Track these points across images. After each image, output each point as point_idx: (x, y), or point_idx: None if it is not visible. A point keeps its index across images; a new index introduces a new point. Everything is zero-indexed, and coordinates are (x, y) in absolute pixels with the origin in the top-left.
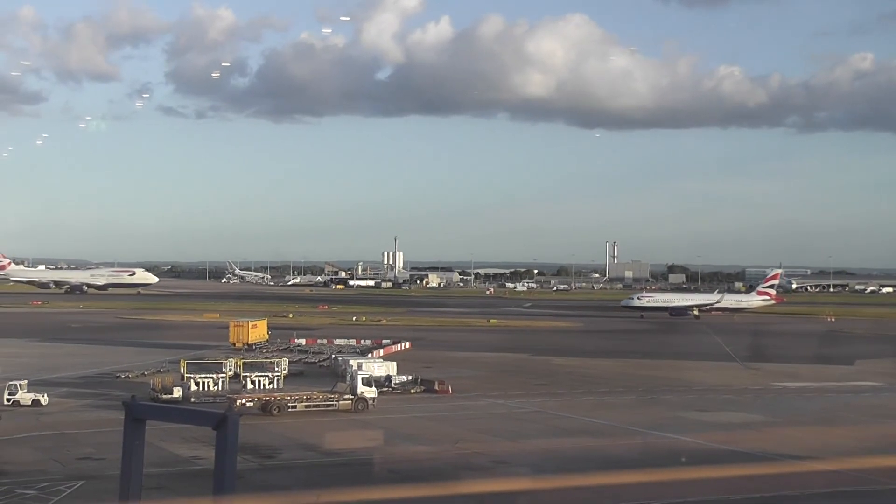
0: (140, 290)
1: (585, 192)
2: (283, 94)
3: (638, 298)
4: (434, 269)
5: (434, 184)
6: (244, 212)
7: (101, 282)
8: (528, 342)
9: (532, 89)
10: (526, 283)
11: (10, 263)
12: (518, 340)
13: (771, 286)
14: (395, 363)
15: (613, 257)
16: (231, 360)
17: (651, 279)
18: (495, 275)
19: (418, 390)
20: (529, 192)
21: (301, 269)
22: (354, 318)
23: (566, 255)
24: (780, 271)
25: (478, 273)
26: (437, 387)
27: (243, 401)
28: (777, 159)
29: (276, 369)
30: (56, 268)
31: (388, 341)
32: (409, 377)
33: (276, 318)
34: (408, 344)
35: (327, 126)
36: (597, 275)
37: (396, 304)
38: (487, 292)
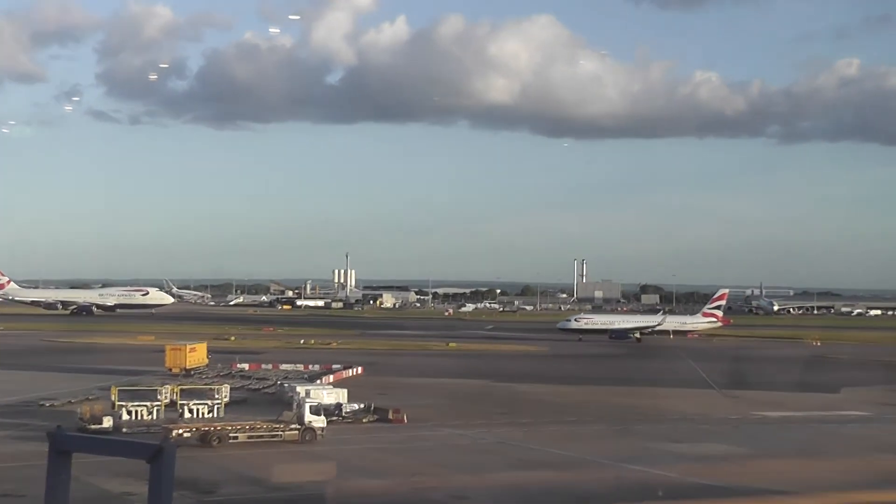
0: (153, 311)
1: (552, 205)
2: (225, 98)
3: (575, 320)
4: (389, 288)
5: (389, 196)
6: (182, 225)
7: (110, 302)
8: (490, 367)
9: (495, 95)
10: (487, 304)
11: (9, 282)
12: (479, 365)
13: (717, 307)
14: (345, 390)
15: (582, 276)
16: (167, 386)
17: (622, 300)
18: (455, 294)
19: (371, 419)
20: (492, 206)
21: (244, 288)
22: (302, 342)
23: (531, 274)
24: (725, 291)
25: (436, 293)
26: (391, 415)
27: (180, 431)
28: (757, 172)
29: (217, 396)
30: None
31: (339, 366)
32: (362, 405)
33: (217, 341)
34: (360, 369)
35: (273, 133)
36: (564, 295)
37: (348, 325)
38: (446, 313)
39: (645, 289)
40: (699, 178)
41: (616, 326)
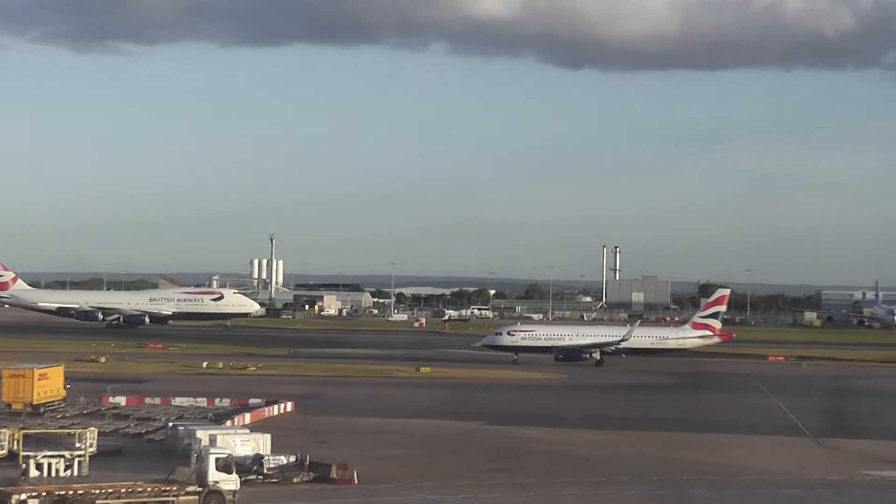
0: (228, 323)
1: (570, 170)
2: (89, 7)
3: (508, 334)
4: (332, 286)
5: (332, 157)
6: (27, 195)
7: (168, 308)
8: (480, 403)
9: (486, 6)
10: (474, 310)
11: (14, 279)
12: (464, 400)
13: (713, 315)
14: (269, 436)
15: (615, 271)
16: (4, 431)
17: (673, 306)
18: (429, 297)
19: (306, 478)
20: (481, 169)
21: (119, 286)
22: (206, 364)
23: (540, 268)
24: (725, 293)
25: (402, 294)
26: (335, 473)
27: (23, 497)
28: (870, 118)
29: (78, 445)
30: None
31: (259, 401)
32: (292, 458)
33: (80, 364)
34: (290, 405)
35: (161, 59)
36: (589, 298)
37: (273, 341)
38: (417, 324)
39: (706, 289)
40: (785, 128)
41: (566, 342)
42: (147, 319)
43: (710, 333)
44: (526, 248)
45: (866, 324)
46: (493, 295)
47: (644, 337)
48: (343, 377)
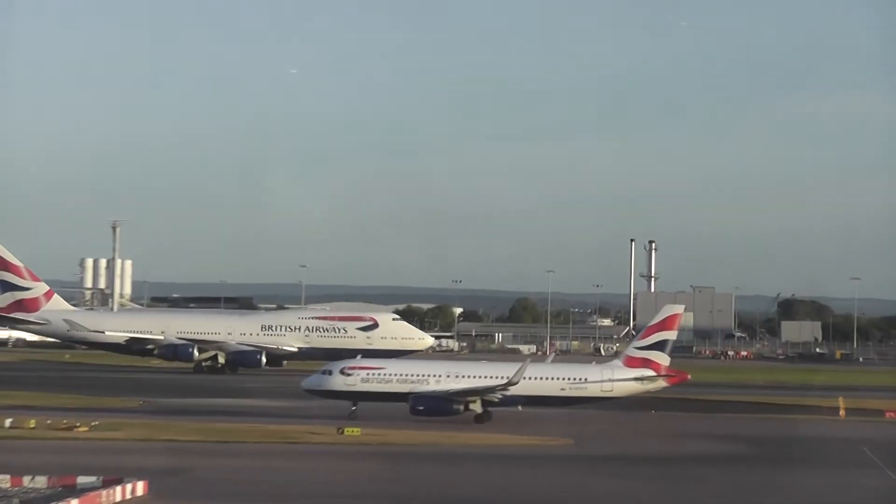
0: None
1: (578, 125)
2: None
3: (343, 373)
4: (208, 300)
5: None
6: None
7: (293, 342)
8: (438, 489)
9: None
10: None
11: (50, 294)
12: (413, 483)
13: (656, 345)
14: None
15: (648, 278)
16: None
17: (739, 333)
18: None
19: None
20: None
21: None
22: (10, 423)
23: (534, 275)
24: (676, 311)
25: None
26: None
27: None
28: None
29: None
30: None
31: (93, 480)
32: None
33: None
34: (141, 486)
35: None
36: (608, 321)
37: (115, 386)
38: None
39: (787, 306)
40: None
41: (430, 387)
42: (262, 358)
43: (653, 373)
44: (510, 244)
45: None
46: (460, 315)
47: (550, 380)
48: (225, 443)
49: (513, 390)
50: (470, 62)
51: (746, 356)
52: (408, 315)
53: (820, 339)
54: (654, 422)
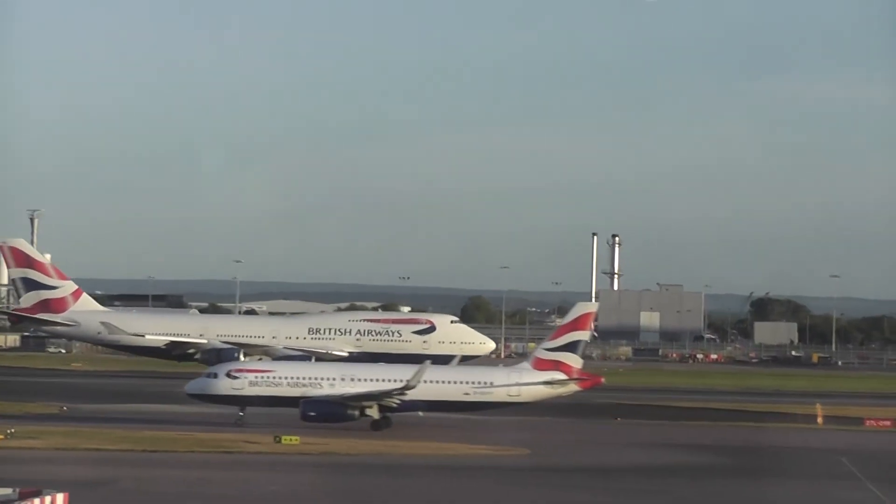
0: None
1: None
2: None
3: (229, 376)
4: (135, 298)
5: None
6: None
7: (344, 347)
8: (390, 498)
9: None
10: None
11: (78, 293)
12: (359, 496)
13: (568, 346)
14: None
15: (611, 275)
16: None
17: (708, 334)
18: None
19: None
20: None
21: None
22: None
23: (488, 271)
24: (589, 310)
25: (252, 310)
26: None
27: None
28: None
29: None
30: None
31: (9, 493)
32: None
33: None
34: (62, 498)
35: None
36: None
37: (35, 390)
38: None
39: (763, 307)
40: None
41: (323, 391)
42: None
43: (564, 376)
44: (463, 239)
45: None
46: (410, 312)
47: (453, 384)
48: (152, 452)
49: (413, 395)
50: (417, 47)
51: (717, 359)
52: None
53: (796, 341)
54: (616, 430)
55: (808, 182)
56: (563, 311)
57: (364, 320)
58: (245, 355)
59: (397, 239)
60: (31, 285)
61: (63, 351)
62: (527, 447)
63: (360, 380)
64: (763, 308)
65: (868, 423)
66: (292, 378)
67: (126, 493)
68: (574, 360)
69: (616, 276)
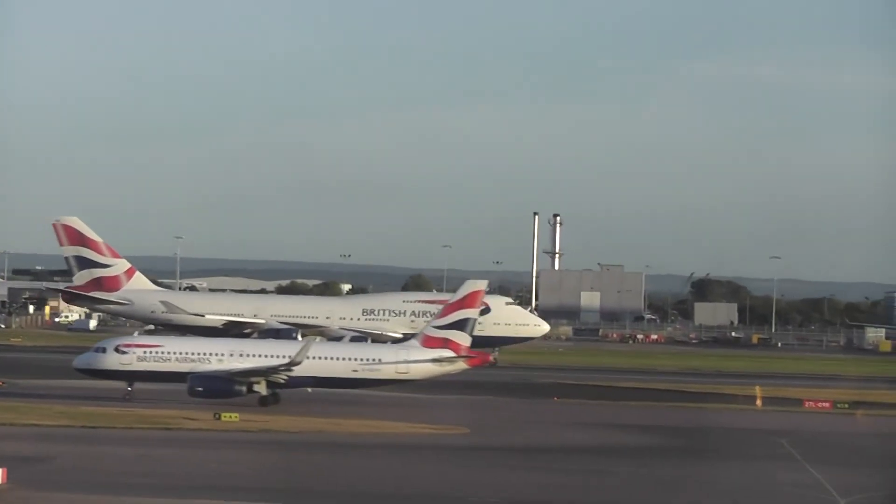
0: (495, 356)
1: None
2: None
3: (117, 351)
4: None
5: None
6: None
7: (399, 328)
8: (327, 481)
9: None
10: None
11: (132, 271)
12: (300, 474)
13: (458, 324)
14: None
15: (552, 255)
16: None
17: (649, 315)
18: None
19: None
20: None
21: None
22: None
23: (430, 249)
24: (478, 287)
25: (192, 286)
26: None
27: None
28: None
29: None
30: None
31: None
32: None
33: None
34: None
35: None
36: (509, 300)
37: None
38: None
39: (703, 287)
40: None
41: (211, 367)
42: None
43: (453, 354)
44: (405, 217)
45: None
46: (349, 293)
47: (341, 360)
48: (92, 428)
49: (301, 371)
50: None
51: (657, 340)
52: (292, 292)
53: (736, 322)
54: (556, 409)
55: (749, 164)
56: (504, 290)
57: (419, 301)
58: (302, 336)
59: (339, 217)
60: (85, 263)
61: (2, 326)
62: (467, 426)
63: (248, 355)
64: (703, 289)
65: (807, 404)
66: (180, 353)
67: (65, 470)
68: (462, 338)
69: (557, 255)
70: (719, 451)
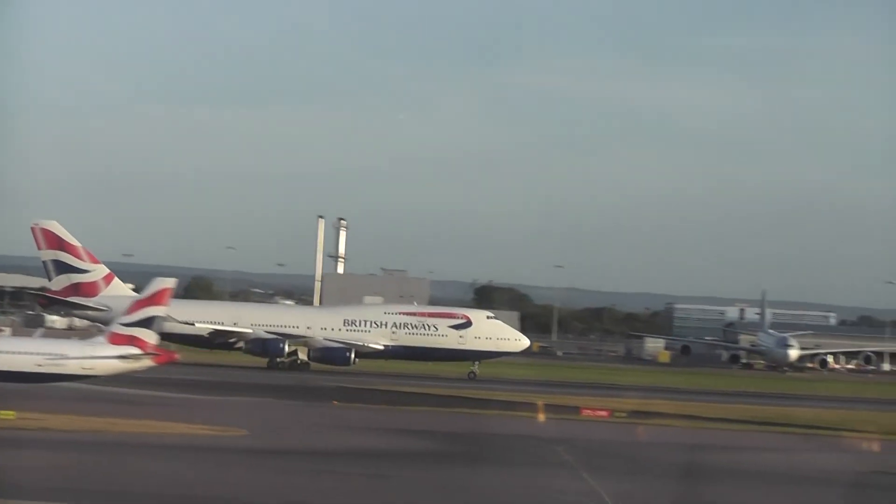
0: (475, 368)
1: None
2: None
3: None
4: None
5: None
6: None
7: (379, 339)
8: (100, 484)
9: None
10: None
11: (110, 277)
12: (76, 477)
13: (145, 321)
14: None
15: (336, 258)
16: None
17: None
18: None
19: None
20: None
21: None
22: None
23: (212, 251)
24: (166, 285)
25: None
26: None
27: None
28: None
29: None
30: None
31: None
32: None
33: None
34: None
35: None
36: (290, 302)
37: None
38: None
39: (486, 294)
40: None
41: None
42: (352, 356)
43: (139, 351)
44: (189, 218)
45: (743, 360)
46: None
47: (24, 354)
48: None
49: None
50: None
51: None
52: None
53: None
54: (335, 413)
55: (535, 172)
56: (287, 293)
57: (400, 313)
58: (288, 346)
59: (120, 216)
60: (62, 268)
61: None
62: (244, 428)
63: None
64: (486, 296)
65: (584, 412)
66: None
67: None
68: (149, 336)
69: (341, 259)
70: (496, 457)
